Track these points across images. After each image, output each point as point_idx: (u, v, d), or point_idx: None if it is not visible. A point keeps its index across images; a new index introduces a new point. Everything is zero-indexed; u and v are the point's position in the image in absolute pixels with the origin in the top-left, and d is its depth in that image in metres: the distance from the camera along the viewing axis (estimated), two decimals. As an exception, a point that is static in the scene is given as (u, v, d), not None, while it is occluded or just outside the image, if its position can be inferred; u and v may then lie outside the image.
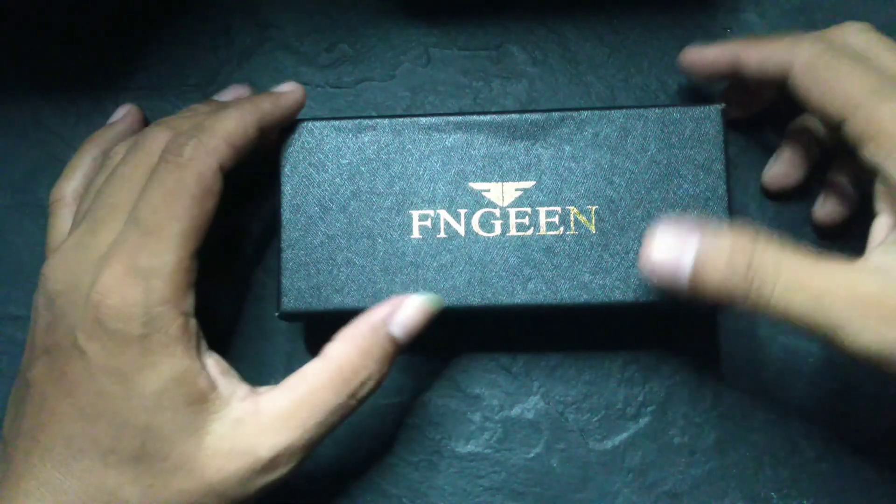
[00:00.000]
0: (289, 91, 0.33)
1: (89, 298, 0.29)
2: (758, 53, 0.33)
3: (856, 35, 0.33)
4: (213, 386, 0.30)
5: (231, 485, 0.29)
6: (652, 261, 0.29)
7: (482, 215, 0.32)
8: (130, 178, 0.31)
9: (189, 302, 0.30)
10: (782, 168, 0.36)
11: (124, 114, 0.37)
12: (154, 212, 0.29)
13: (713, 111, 0.32)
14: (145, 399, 0.29)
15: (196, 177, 0.30)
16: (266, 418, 0.30)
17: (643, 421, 0.36)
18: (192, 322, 0.30)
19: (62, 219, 0.34)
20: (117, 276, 0.29)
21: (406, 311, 0.31)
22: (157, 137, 0.32)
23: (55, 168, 0.38)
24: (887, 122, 0.29)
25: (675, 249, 0.28)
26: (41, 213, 0.38)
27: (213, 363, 0.31)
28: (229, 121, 0.31)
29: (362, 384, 0.31)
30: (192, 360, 0.29)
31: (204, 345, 0.31)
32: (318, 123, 0.33)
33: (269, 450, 0.30)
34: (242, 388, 0.31)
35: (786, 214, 0.37)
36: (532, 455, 0.36)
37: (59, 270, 0.30)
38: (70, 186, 0.34)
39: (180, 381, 0.29)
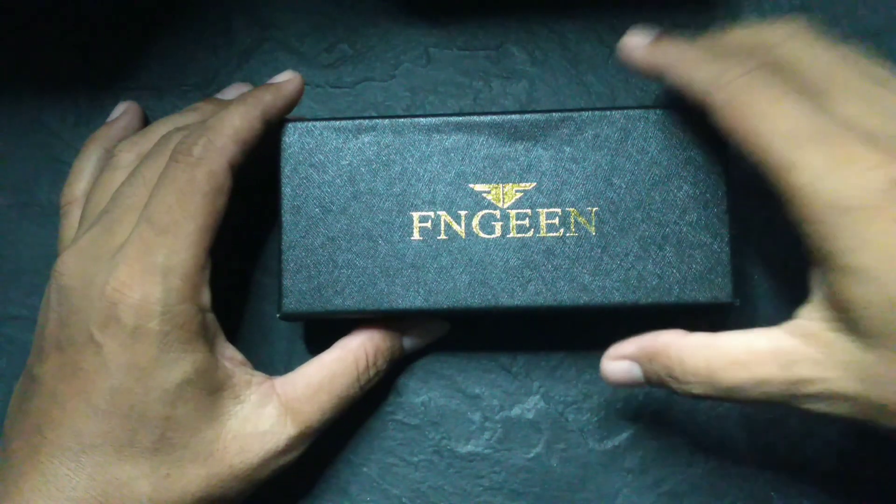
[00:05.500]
0: (287, 80, 0.34)
1: (105, 294, 0.29)
2: (684, 72, 0.30)
3: (784, 44, 0.30)
4: (231, 375, 0.31)
5: (252, 466, 0.31)
6: (613, 382, 0.32)
7: (482, 217, 0.32)
8: (149, 180, 0.31)
9: (206, 297, 0.31)
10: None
11: (123, 111, 0.37)
12: (168, 211, 0.30)
13: (713, 112, 0.32)
14: (165, 392, 0.29)
15: (207, 175, 0.30)
16: (287, 400, 0.32)
17: (643, 421, 0.36)
18: (210, 317, 0.31)
19: (75, 220, 0.34)
20: (135, 273, 0.29)
21: (422, 330, 0.35)
22: (170, 139, 0.32)
23: (55, 168, 0.38)
24: (801, 191, 0.27)
25: (627, 371, 0.32)
26: (41, 214, 0.38)
27: (231, 354, 0.32)
28: (235, 118, 0.31)
29: (370, 378, 0.34)
30: (211, 353, 0.31)
31: (222, 336, 0.32)
32: (318, 124, 0.33)
33: (294, 428, 0.31)
34: (259, 375, 0.32)
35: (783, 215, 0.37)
36: (532, 455, 0.36)
37: (74, 266, 0.30)
38: (80, 188, 0.35)
39: (201, 374, 0.30)
